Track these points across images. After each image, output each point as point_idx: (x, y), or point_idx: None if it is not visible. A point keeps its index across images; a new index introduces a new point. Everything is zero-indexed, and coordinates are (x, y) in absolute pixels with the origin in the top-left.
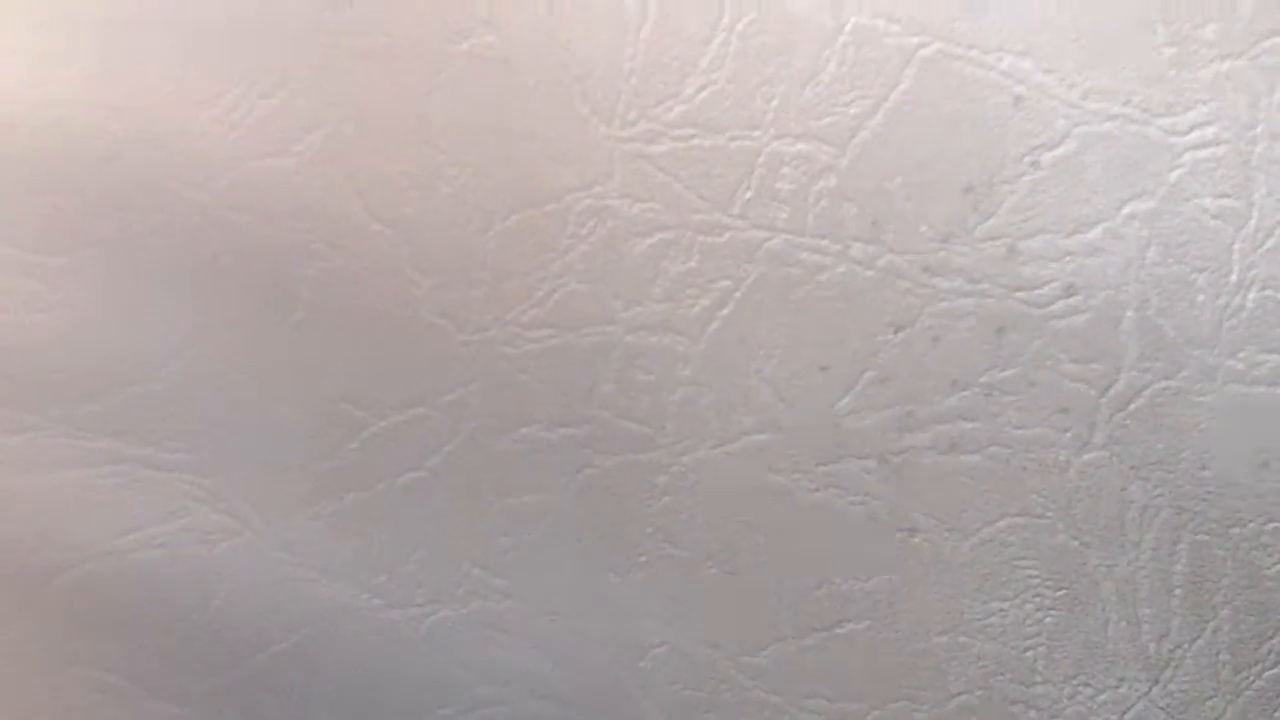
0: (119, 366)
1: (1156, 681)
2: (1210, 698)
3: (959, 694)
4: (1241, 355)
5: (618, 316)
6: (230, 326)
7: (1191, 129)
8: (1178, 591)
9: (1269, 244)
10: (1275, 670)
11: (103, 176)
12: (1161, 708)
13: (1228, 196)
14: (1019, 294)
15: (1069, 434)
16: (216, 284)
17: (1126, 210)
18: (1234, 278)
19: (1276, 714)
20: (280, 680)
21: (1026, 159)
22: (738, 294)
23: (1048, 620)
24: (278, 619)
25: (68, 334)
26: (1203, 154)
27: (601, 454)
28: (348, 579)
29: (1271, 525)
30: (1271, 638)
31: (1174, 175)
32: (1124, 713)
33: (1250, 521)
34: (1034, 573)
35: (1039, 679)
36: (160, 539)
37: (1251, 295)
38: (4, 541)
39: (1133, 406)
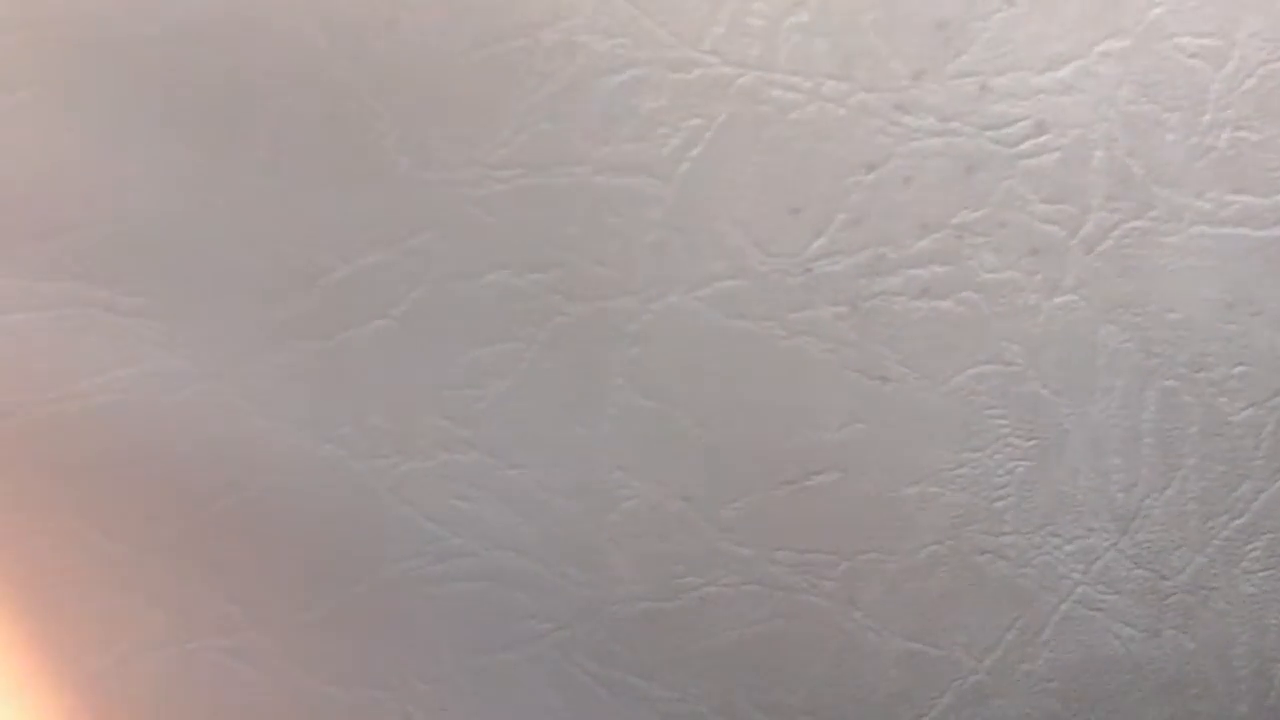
0: (74, 207)
1: (1125, 532)
2: (1179, 547)
3: (929, 544)
4: (1210, 195)
5: (587, 156)
6: (189, 166)
7: None
8: (1147, 440)
9: (1248, 84)
10: (1242, 520)
11: (53, 11)
12: (1129, 557)
13: (1209, 36)
14: (989, 132)
15: (1039, 277)
16: (174, 121)
17: (1101, 48)
18: (1207, 118)
19: (1243, 564)
20: (244, 526)
21: None
22: (709, 133)
23: (1018, 470)
24: (241, 466)
25: (20, 174)
26: None
27: (571, 300)
28: (311, 428)
29: (1239, 369)
30: (1238, 487)
31: (1154, 13)
32: (1092, 563)
33: (1218, 365)
34: (1004, 422)
35: (1008, 529)
36: (121, 383)
37: (1224, 135)
38: None
39: (1102, 247)
